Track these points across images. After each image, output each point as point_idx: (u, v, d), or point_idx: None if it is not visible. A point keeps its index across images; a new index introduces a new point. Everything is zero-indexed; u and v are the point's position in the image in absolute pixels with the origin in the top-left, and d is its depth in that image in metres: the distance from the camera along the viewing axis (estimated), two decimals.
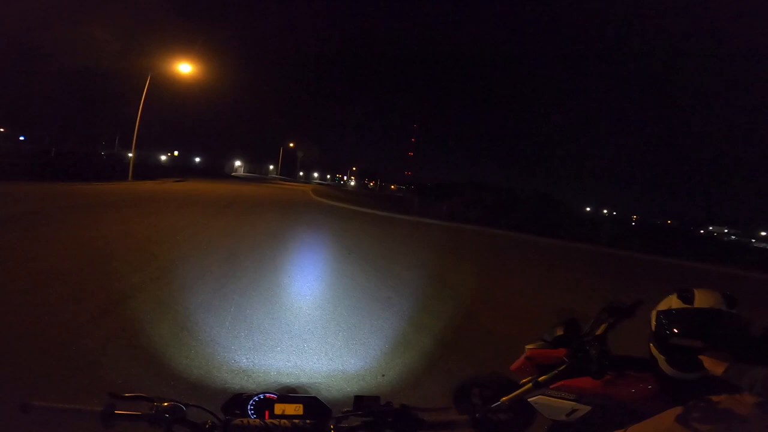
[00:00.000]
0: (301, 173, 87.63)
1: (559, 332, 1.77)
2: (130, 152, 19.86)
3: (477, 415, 1.92)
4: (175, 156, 58.46)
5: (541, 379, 1.67)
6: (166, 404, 0.69)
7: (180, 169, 36.36)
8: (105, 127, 45.34)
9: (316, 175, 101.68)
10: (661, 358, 1.40)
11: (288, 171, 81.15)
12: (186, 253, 5.51)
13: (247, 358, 2.78)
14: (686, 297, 1.33)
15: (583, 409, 1.63)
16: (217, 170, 50.93)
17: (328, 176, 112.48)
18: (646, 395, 1.50)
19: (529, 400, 1.74)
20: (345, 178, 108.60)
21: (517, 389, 1.76)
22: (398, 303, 4.56)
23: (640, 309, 1.59)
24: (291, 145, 76.69)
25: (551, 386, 1.66)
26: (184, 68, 19.47)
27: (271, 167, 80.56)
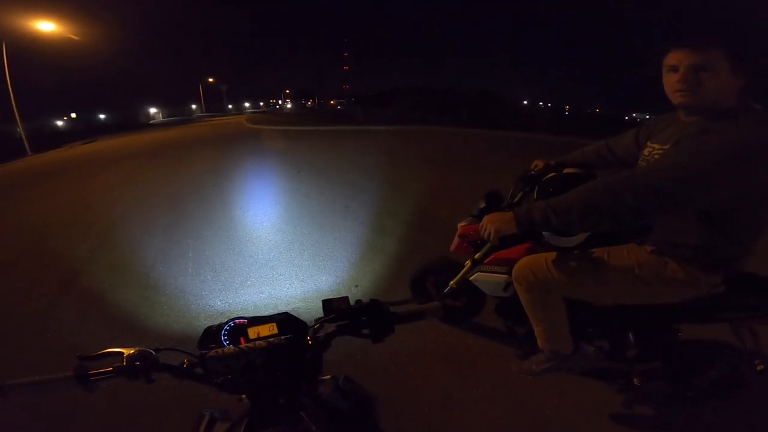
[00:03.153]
0: (231, 106, 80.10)
1: (482, 205, 1.83)
2: (18, 127, 17.06)
3: (442, 302, 1.96)
4: (74, 118, 50.61)
5: (476, 256, 1.69)
6: (133, 352, 0.67)
7: (86, 130, 31.76)
8: None
9: (247, 105, 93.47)
10: (546, 233, 1.59)
11: (215, 107, 73.78)
12: (125, 213, 5.09)
13: (220, 300, 2.80)
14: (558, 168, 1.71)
15: None
16: (130, 122, 44.93)
17: (261, 104, 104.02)
18: None
19: (470, 279, 1.79)
20: (280, 102, 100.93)
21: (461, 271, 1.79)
22: (357, 210, 4.65)
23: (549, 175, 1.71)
24: (210, 80, 68.59)
25: (485, 262, 1.71)
26: (45, 26, 16.92)
27: (195, 106, 72.71)
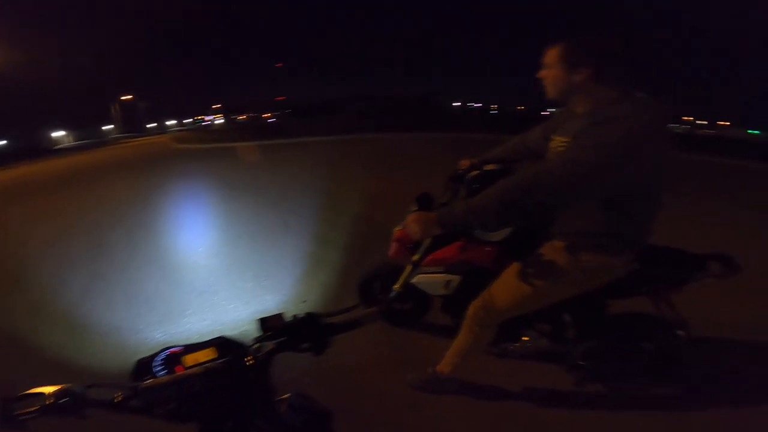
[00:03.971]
0: (155, 124, 74.07)
1: (414, 208, 1.82)
2: None
3: (379, 307, 2.08)
4: None
5: (414, 258, 1.72)
6: (55, 389, 0.64)
7: None
8: None
9: (172, 122, 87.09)
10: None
11: (133, 126, 67.77)
12: (38, 251, 4.50)
13: (160, 332, 2.68)
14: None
15: (455, 278, 1.83)
16: (32, 148, 39.62)
17: (187, 121, 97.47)
18: (493, 257, 1.76)
19: (412, 282, 1.82)
20: (209, 118, 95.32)
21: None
22: (296, 225, 4.64)
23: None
24: (127, 97, 62.98)
25: (423, 263, 1.75)
26: None
27: (110, 127, 66.19)
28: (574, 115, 1.37)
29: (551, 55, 1.30)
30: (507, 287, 1.57)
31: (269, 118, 73.14)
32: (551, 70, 1.32)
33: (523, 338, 1.87)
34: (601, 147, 1.14)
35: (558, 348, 1.82)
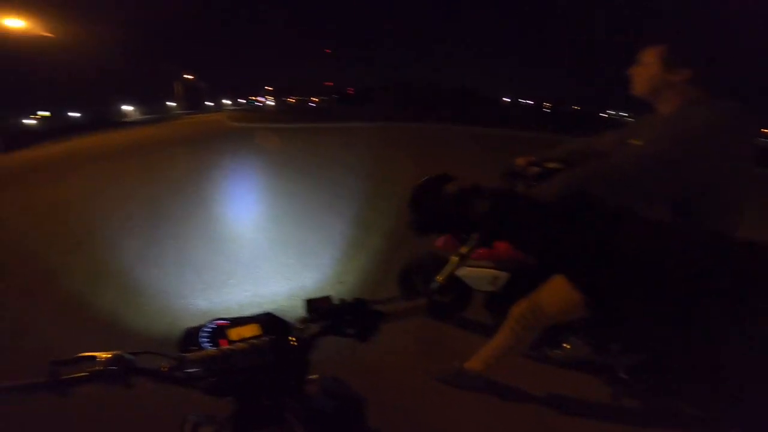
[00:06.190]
0: (211, 103, 78.38)
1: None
2: None
3: (421, 299, 1.99)
4: (47, 116, 48.60)
5: (462, 250, 1.70)
6: (108, 356, 0.64)
7: (58, 129, 30.50)
8: None
9: (228, 102, 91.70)
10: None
11: (193, 103, 72.07)
12: (102, 214, 4.87)
13: (203, 299, 2.76)
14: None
15: (503, 276, 1.77)
16: (104, 121, 43.38)
17: (242, 101, 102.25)
18: None
19: (457, 274, 1.79)
20: (261, 99, 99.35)
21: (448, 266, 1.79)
22: (340, 207, 4.63)
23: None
24: (189, 77, 67.05)
25: (472, 256, 1.73)
26: (13, 23, 17.44)
27: (173, 104, 70.86)
28: (655, 120, 1.37)
29: (650, 53, 1.31)
30: (560, 290, 1.51)
31: (319, 102, 74.76)
32: (647, 67, 1.32)
33: (564, 345, 1.75)
34: (670, 139, 1.18)
35: (601, 359, 1.70)
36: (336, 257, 3.35)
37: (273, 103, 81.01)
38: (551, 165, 1.77)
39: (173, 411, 0.84)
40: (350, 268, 3.16)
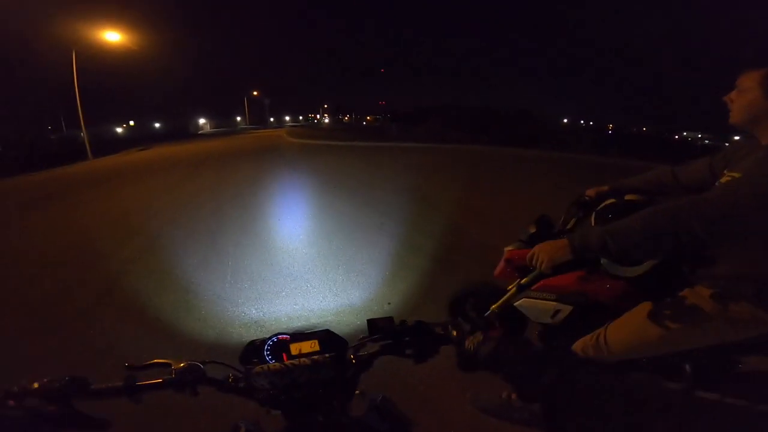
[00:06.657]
0: (272, 119, 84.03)
1: (532, 230, 1.77)
2: (82, 132, 18.87)
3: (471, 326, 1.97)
4: (132, 126, 55.00)
5: (523, 281, 1.64)
6: (183, 365, 0.68)
7: (141, 138, 34.36)
8: (46, 110, 41.42)
9: (287, 118, 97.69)
10: (605, 260, 1.54)
11: (258, 119, 77.61)
12: (171, 218, 5.38)
13: (255, 309, 2.86)
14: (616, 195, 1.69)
15: (566, 309, 1.66)
16: (181, 132, 48.18)
17: (300, 117, 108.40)
18: (618, 293, 1.56)
19: (515, 304, 1.73)
20: (318, 116, 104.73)
21: (505, 295, 1.74)
22: (391, 228, 4.65)
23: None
24: (255, 93, 72.70)
25: (533, 288, 1.66)
26: (111, 36, 18.72)
27: (239, 118, 76.90)
28: (754, 149, 1.23)
29: (751, 78, 1.20)
30: (631, 326, 1.38)
31: (372, 121, 77.04)
32: (746, 93, 1.21)
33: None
34: None
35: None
36: (384, 277, 3.33)
37: (328, 121, 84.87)
38: (630, 197, 1.64)
39: (216, 413, 0.84)
40: (398, 289, 3.12)
